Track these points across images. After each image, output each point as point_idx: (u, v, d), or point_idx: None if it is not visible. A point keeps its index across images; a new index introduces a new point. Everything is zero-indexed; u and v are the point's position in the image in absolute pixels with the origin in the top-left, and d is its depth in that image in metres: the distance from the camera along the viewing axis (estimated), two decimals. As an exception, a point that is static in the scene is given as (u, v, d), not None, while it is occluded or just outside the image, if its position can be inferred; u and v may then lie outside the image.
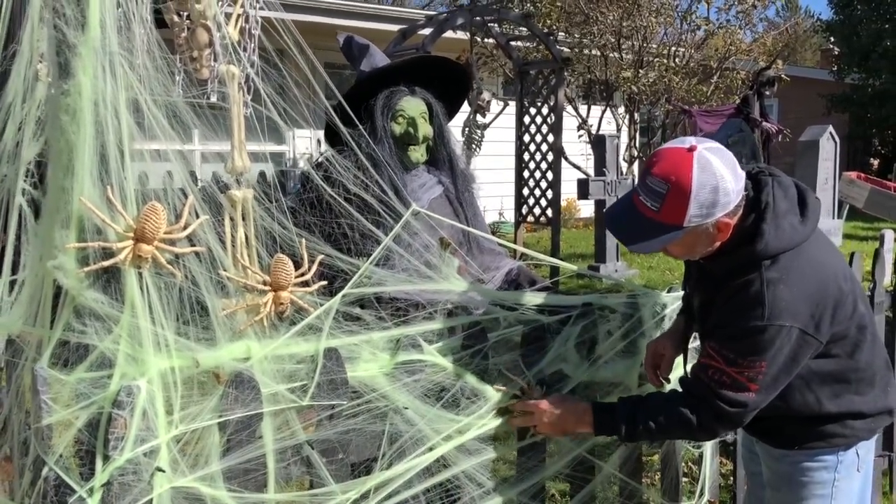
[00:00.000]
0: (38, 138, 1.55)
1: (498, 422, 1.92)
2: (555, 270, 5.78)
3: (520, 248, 2.50)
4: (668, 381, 2.15)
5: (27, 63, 1.53)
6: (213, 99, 1.73)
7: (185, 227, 1.47)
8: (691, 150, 1.69)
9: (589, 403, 1.93)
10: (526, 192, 8.36)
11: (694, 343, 2.23)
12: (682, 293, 2.36)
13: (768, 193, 1.79)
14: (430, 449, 1.75)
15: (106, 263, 1.38)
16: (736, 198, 1.72)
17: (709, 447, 2.60)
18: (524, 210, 8.40)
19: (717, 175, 1.67)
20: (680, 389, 1.92)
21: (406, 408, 1.75)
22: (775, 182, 1.82)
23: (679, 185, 1.67)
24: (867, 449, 1.98)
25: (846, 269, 1.89)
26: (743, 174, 1.75)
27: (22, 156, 1.55)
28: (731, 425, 1.87)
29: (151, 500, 1.39)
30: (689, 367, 2.02)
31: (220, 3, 1.77)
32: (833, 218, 10.49)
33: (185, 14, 1.72)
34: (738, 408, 1.78)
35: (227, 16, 1.80)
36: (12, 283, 1.60)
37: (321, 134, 2.52)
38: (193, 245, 1.50)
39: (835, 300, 1.79)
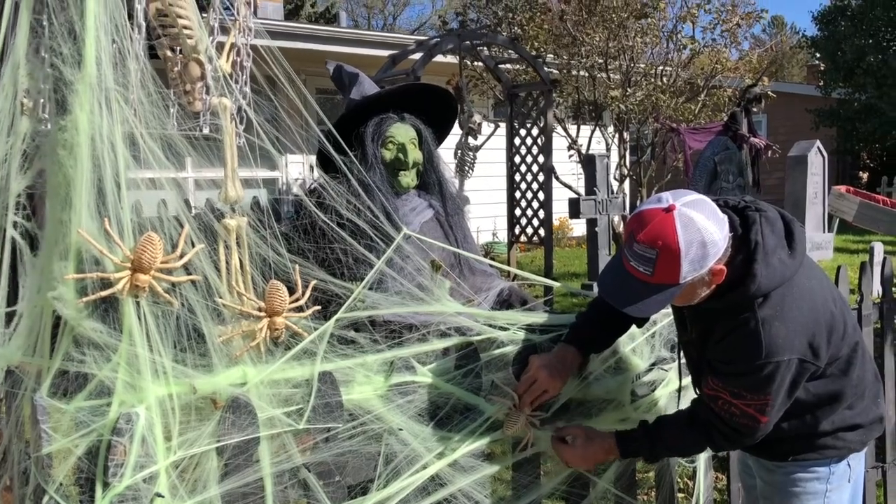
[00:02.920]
0: (26, 172, 1.58)
1: (492, 436, 1.95)
2: (548, 290, 5.81)
3: (511, 269, 2.54)
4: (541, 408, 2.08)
5: (10, 97, 1.56)
6: (206, 130, 1.77)
7: (181, 257, 1.51)
8: (669, 210, 1.70)
9: (613, 436, 2.01)
10: (518, 212, 8.41)
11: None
12: (668, 310, 2.39)
13: (756, 232, 1.80)
14: (424, 467, 1.78)
15: (104, 293, 1.41)
16: (724, 243, 1.74)
17: (702, 462, 2.63)
18: (517, 230, 8.45)
19: (702, 230, 1.69)
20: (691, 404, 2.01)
21: (401, 429, 1.78)
22: (762, 218, 1.83)
23: (667, 248, 1.69)
24: (858, 460, 2.02)
25: (834, 292, 1.93)
26: (725, 218, 1.77)
27: (11, 189, 1.58)
28: (741, 446, 1.97)
29: (151, 525, 1.42)
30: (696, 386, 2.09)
31: (210, 37, 1.82)
32: (824, 231, 10.57)
33: (178, 49, 1.77)
34: (750, 433, 1.85)
35: (220, 47, 1.85)
36: (9, 315, 1.63)
37: (313, 159, 2.56)
38: (189, 273, 1.54)
39: (828, 325, 1.83)
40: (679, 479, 2.70)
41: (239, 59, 1.88)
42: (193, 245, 1.55)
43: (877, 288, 3.59)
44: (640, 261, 1.72)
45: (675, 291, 1.74)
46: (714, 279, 1.77)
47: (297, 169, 10.22)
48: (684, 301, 1.85)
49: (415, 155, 2.43)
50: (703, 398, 1.91)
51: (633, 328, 2.30)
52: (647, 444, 1.97)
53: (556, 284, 2.40)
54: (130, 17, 1.57)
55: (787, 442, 1.97)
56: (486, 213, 11.06)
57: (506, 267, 2.58)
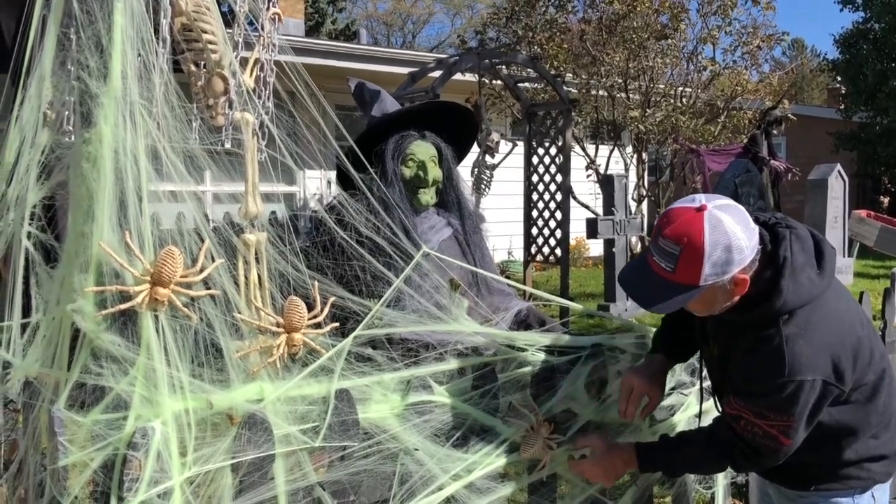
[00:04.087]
0: (44, 183, 1.59)
1: (508, 458, 1.93)
2: (564, 310, 5.78)
3: (529, 289, 2.52)
4: (644, 419, 2.18)
5: (36, 109, 1.58)
6: (228, 145, 1.78)
7: (200, 271, 1.50)
8: (701, 209, 1.69)
9: (633, 447, 2.00)
10: (535, 231, 8.39)
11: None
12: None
13: (786, 248, 1.78)
14: (440, 488, 1.76)
15: (124, 306, 1.41)
16: (751, 253, 1.72)
17: (720, 489, 2.59)
18: (533, 249, 8.43)
19: (729, 233, 1.67)
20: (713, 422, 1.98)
21: (417, 449, 1.76)
22: (793, 235, 1.81)
23: (692, 246, 1.67)
24: (883, 491, 1.97)
25: (862, 316, 1.89)
26: (756, 228, 1.75)
27: (27, 200, 1.58)
28: (764, 466, 1.91)
29: (164, 541, 1.41)
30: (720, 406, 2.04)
31: (234, 52, 1.82)
32: (844, 256, 10.46)
33: (202, 63, 1.78)
34: (772, 455, 1.82)
35: (243, 62, 1.86)
36: (23, 326, 1.63)
37: (331, 175, 2.57)
38: (209, 288, 1.54)
39: (854, 349, 1.79)
40: (696, 505, 2.66)
41: (262, 75, 1.88)
42: (213, 259, 1.54)
43: (900, 314, 3.54)
44: (663, 256, 1.71)
45: (694, 294, 1.71)
46: (736, 290, 1.74)
47: (315, 184, 10.26)
48: (703, 309, 1.82)
49: (434, 173, 2.42)
50: (725, 418, 1.87)
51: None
52: (667, 459, 1.94)
53: (576, 306, 2.38)
54: (156, 31, 1.58)
55: (810, 470, 1.93)
56: (501, 232, 11.05)
57: (524, 287, 2.57)
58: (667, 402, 2.27)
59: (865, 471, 1.90)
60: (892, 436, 1.93)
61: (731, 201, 1.76)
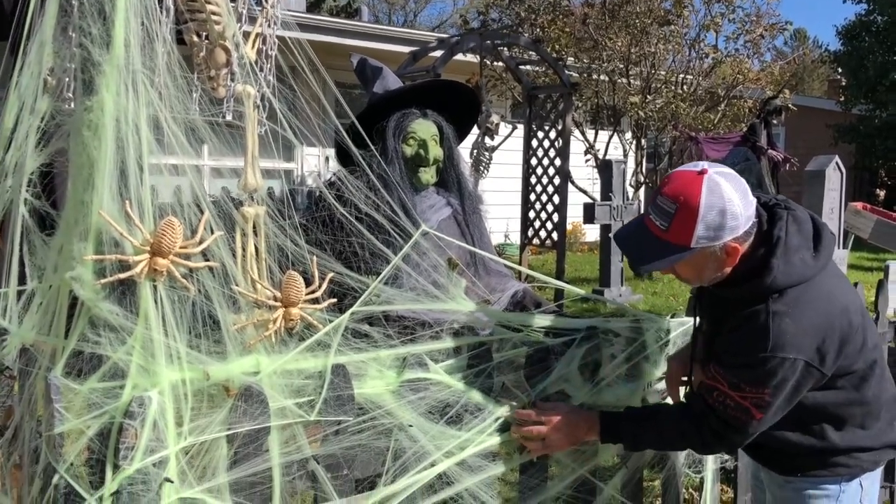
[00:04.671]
0: (42, 150, 1.58)
1: (501, 437, 1.94)
2: (560, 293, 5.80)
3: (526, 271, 2.53)
4: None
5: (36, 76, 1.57)
6: (229, 117, 1.77)
7: (199, 243, 1.50)
8: (702, 172, 1.72)
9: (598, 413, 1.96)
10: (532, 214, 8.40)
11: None
12: (685, 318, 2.38)
13: (781, 228, 1.80)
14: (432, 464, 1.77)
15: (122, 276, 1.41)
16: (745, 223, 1.74)
17: (710, 474, 2.61)
18: (530, 233, 8.43)
19: (726, 198, 1.70)
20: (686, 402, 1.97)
21: (410, 425, 1.77)
22: (790, 216, 1.83)
23: (687, 205, 1.70)
24: (871, 480, 1.98)
25: (859, 303, 1.90)
26: (754, 201, 1.78)
27: (25, 166, 1.58)
28: (730, 445, 1.90)
29: (159, 509, 1.41)
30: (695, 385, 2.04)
31: (238, 24, 1.81)
32: (839, 248, 10.48)
33: (205, 34, 1.77)
34: (740, 431, 1.81)
35: (245, 35, 1.85)
36: (20, 293, 1.63)
37: (330, 152, 2.56)
38: (207, 260, 1.54)
39: (842, 334, 1.80)
40: (685, 490, 2.68)
41: (265, 48, 1.87)
42: (212, 231, 1.54)
43: (892, 306, 3.56)
44: (659, 214, 1.75)
45: (684, 255, 1.74)
46: (728, 260, 1.77)
47: (314, 161, 10.24)
48: (692, 276, 1.84)
49: (435, 152, 2.42)
50: (700, 389, 1.88)
51: (647, 338, 2.28)
52: (632, 429, 1.93)
53: (573, 289, 2.39)
54: (160, 0, 1.57)
55: (798, 457, 1.94)
56: (498, 215, 11.05)
57: (521, 268, 2.57)
58: (659, 385, 2.29)
59: (853, 459, 1.92)
60: (882, 428, 1.94)
61: (734, 172, 1.78)
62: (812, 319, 1.76)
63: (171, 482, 1.42)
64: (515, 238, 10.73)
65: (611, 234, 7.93)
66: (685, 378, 2.11)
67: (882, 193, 18.24)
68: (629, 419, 1.94)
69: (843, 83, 20.12)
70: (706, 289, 1.97)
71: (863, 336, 1.85)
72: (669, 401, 2.22)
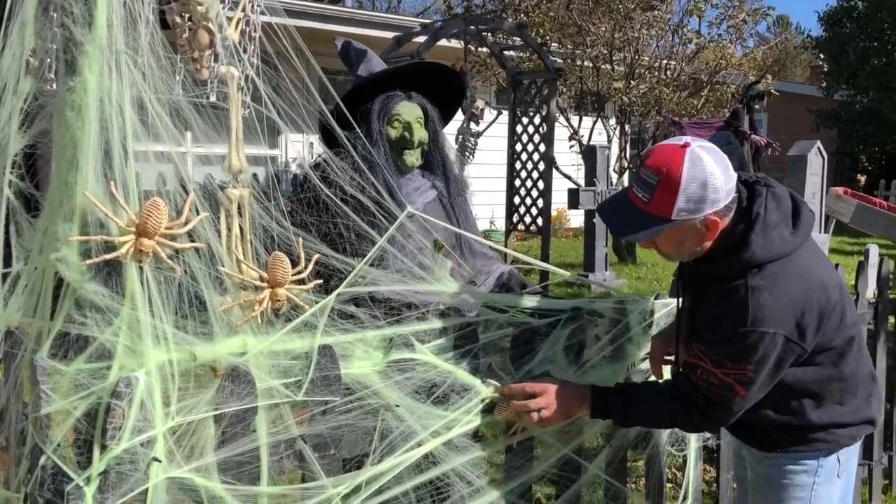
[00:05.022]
0: (26, 131, 1.57)
1: (487, 417, 1.96)
2: (544, 277, 5.82)
3: (511, 252, 2.54)
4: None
5: (18, 56, 1.55)
6: (213, 99, 1.76)
7: (185, 224, 1.50)
8: (685, 146, 1.75)
9: (589, 387, 1.97)
10: (517, 200, 8.41)
11: None
12: (668, 300, 2.40)
13: (760, 204, 1.83)
14: (419, 444, 1.78)
15: (108, 256, 1.41)
16: (726, 197, 1.76)
17: (692, 453, 2.65)
18: (515, 218, 8.45)
19: (707, 171, 1.72)
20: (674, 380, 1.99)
21: (397, 405, 1.79)
22: (770, 193, 1.85)
23: (669, 177, 1.72)
24: (849, 455, 2.02)
25: (837, 280, 1.92)
26: (734, 175, 1.80)
27: (8, 149, 1.57)
28: (717, 423, 1.92)
29: (147, 489, 1.42)
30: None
31: (221, 5, 1.80)
32: (820, 232, 10.56)
33: (188, 16, 1.76)
34: (725, 408, 1.84)
35: (229, 18, 1.84)
36: (4, 275, 1.62)
37: (315, 138, 2.56)
38: (193, 241, 1.54)
39: (821, 309, 1.82)
40: (668, 469, 2.71)
41: (248, 30, 1.87)
42: (198, 212, 1.54)
43: (872, 288, 3.61)
44: (641, 186, 1.77)
45: (665, 227, 1.77)
46: (707, 234, 1.79)
47: (298, 147, 10.19)
48: (672, 250, 1.86)
49: (420, 134, 2.42)
50: (684, 367, 1.91)
51: (631, 320, 2.30)
52: (620, 405, 1.94)
53: (559, 271, 2.40)
54: (143, -20, 1.56)
55: (777, 432, 1.97)
56: (483, 201, 11.06)
57: (506, 250, 2.58)
58: (643, 366, 2.31)
59: (831, 434, 1.95)
60: (859, 404, 1.97)
61: (715, 147, 1.80)
62: (790, 294, 1.79)
63: (160, 461, 1.43)
64: (501, 224, 10.75)
65: (595, 221, 7.96)
66: (668, 357, 2.14)
67: (863, 178, 18.41)
68: (619, 396, 1.96)
69: (825, 69, 20.23)
70: (687, 266, 2.00)
71: (841, 312, 1.88)
72: (653, 379, 2.24)
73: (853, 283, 3.48)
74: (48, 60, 1.58)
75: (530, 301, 2.16)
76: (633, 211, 1.80)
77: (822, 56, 21.01)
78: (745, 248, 1.79)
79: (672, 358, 2.13)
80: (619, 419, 1.98)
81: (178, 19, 1.77)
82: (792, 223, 1.85)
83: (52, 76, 1.56)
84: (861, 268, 3.50)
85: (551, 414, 1.93)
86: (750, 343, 1.76)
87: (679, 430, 2.42)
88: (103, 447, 1.39)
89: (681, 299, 2.07)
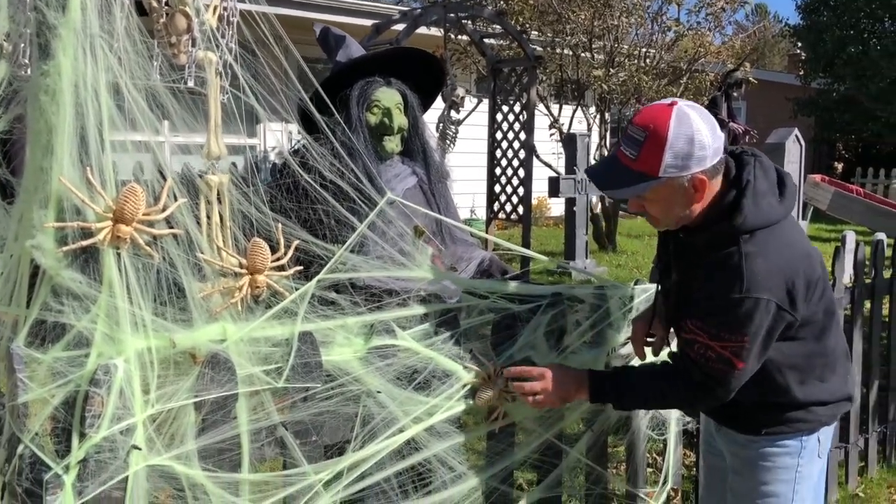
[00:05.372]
0: (2, 117, 1.55)
1: (467, 403, 1.96)
2: (525, 263, 5.83)
3: (492, 238, 2.54)
4: (656, 355, 2.19)
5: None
6: (191, 84, 1.74)
7: (163, 210, 1.49)
8: (671, 104, 1.77)
9: (587, 372, 1.98)
10: (498, 189, 8.42)
11: None
12: (648, 285, 2.41)
13: (749, 172, 1.84)
14: (401, 430, 1.79)
15: (85, 243, 1.40)
16: (713, 156, 1.77)
17: (672, 437, 2.67)
18: (496, 207, 8.46)
19: (694, 128, 1.73)
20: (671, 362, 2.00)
21: (379, 391, 1.79)
22: (757, 162, 1.87)
23: (656, 133, 1.73)
24: (827, 434, 2.04)
25: (818, 254, 1.93)
26: (722, 136, 1.80)
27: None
28: (714, 399, 1.91)
29: (127, 477, 1.41)
30: (673, 344, 2.07)
31: (198, -9, 1.78)
32: (798, 219, 10.67)
33: (164, 0, 1.74)
34: (723, 383, 1.85)
35: (206, 4, 1.81)
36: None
37: (293, 127, 2.54)
38: (171, 227, 1.52)
39: (806, 279, 1.84)
40: (648, 455, 2.74)
41: (226, 14, 1.84)
42: (176, 199, 1.53)
43: (849, 272, 3.65)
44: (629, 143, 1.77)
45: (652, 184, 1.77)
46: (696, 195, 1.80)
47: (277, 136, 10.13)
48: (660, 214, 1.86)
49: (400, 120, 2.41)
50: (680, 345, 1.92)
51: (611, 305, 2.32)
52: (617, 388, 1.95)
53: (541, 257, 2.41)
54: (117, -37, 1.53)
55: (759, 413, 1.98)
56: (464, 190, 11.05)
57: (486, 236, 2.58)
58: (623, 350, 2.32)
59: (812, 413, 1.97)
60: (838, 381, 2.00)
61: (701, 107, 1.81)
62: (780, 262, 1.80)
63: (139, 449, 1.42)
64: (481, 213, 10.75)
65: (575, 209, 7.99)
66: (650, 338, 2.15)
67: (840, 166, 18.59)
68: (615, 379, 1.97)
69: (803, 57, 20.38)
70: (674, 240, 1.99)
71: (823, 285, 1.90)
72: (636, 362, 2.26)
73: (830, 269, 3.52)
74: (22, 45, 1.55)
75: (511, 287, 2.17)
76: (620, 168, 1.80)
77: (799, 44, 21.15)
78: (737, 214, 1.80)
79: (653, 339, 2.14)
80: (616, 402, 1.99)
81: (154, 3, 1.74)
82: (778, 192, 1.87)
83: (26, 61, 1.53)
84: (838, 253, 3.53)
85: (547, 398, 1.94)
86: (745, 311, 1.77)
87: (676, 409, 2.44)
88: (82, 435, 1.38)
89: (668, 276, 2.05)
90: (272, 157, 9.67)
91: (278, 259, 1.69)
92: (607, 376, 1.98)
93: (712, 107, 9.80)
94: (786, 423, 1.98)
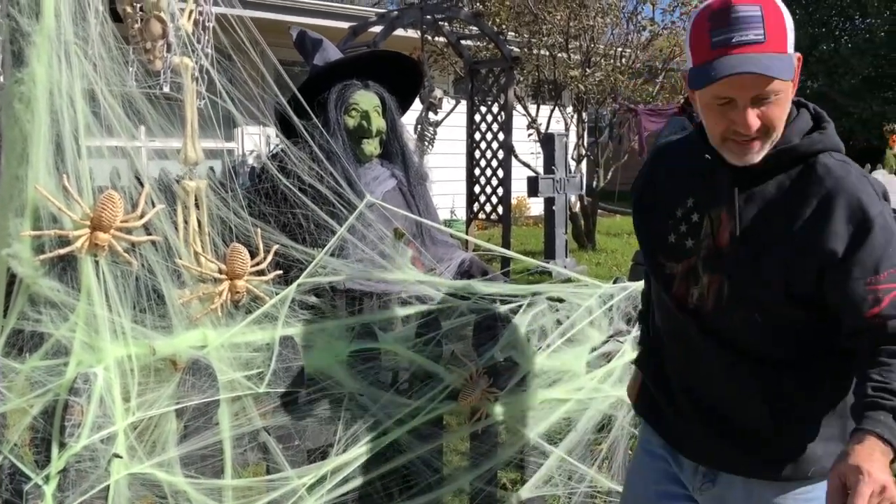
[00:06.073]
0: None
1: (449, 404, 1.97)
2: (505, 263, 5.85)
3: (472, 240, 2.55)
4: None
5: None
6: (167, 89, 1.74)
7: (141, 216, 1.48)
8: None
9: (874, 437, 1.29)
10: (477, 189, 8.43)
11: None
12: (628, 283, 2.43)
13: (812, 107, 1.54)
14: (384, 433, 1.79)
15: (62, 251, 1.39)
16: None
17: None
18: (475, 207, 8.47)
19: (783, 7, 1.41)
20: None
21: (361, 394, 1.79)
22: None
23: (769, 2, 1.38)
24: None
25: None
26: None
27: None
28: None
29: (108, 486, 1.40)
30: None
31: (173, -4, 1.78)
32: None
33: (139, 5, 1.73)
34: None
35: (181, 9, 1.81)
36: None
37: (271, 131, 2.53)
38: (150, 234, 1.52)
39: None
40: (630, 451, 2.76)
41: (201, 19, 1.84)
42: (154, 205, 1.52)
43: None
44: (745, 26, 1.36)
45: (791, 61, 1.39)
46: (792, 91, 1.43)
47: (255, 140, 10.08)
48: (780, 119, 1.42)
49: (378, 123, 2.41)
50: (878, 313, 1.35)
51: (592, 302, 2.33)
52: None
53: (523, 258, 2.42)
54: (90, -31, 1.53)
55: (819, 444, 1.49)
56: (444, 191, 11.06)
57: (466, 236, 2.59)
58: (604, 349, 2.34)
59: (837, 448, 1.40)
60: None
61: None
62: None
63: (121, 458, 1.41)
64: (461, 213, 10.76)
65: (554, 208, 8.01)
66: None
67: (814, 162, 18.77)
68: (885, 408, 1.31)
69: (776, 55, 20.57)
70: (720, 194, 1.50)
71: None
72: (619, 359, 2.27)
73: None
74: (-5, 52, 1.54)
75: (492, 287, 2.18)
76: (756, 59, 1.35)
77: (773, 42, 21.36)
78: (827, 123, 1.48)
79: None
80: None
81: (128, 9, 1.73)
82: None
83: (0, 69, 1.52)
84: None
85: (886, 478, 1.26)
86: (891, 223, 1.38)
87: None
88: (62, 445, 1.37)
89: (693, 276, 1.54)
90: (250, 160, 9.62)
91: (258, 264, 1.69)
92: (880, 421, 1.31)
93: (688, 105, 9.91)
94: (826, 461, 1.42)
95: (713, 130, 1.46)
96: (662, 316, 1.68)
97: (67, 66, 1.41)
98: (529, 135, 9.91)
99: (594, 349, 2.33)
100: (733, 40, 1.37)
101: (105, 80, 1.49)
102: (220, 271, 1.63)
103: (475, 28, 7.97)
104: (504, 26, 9.05)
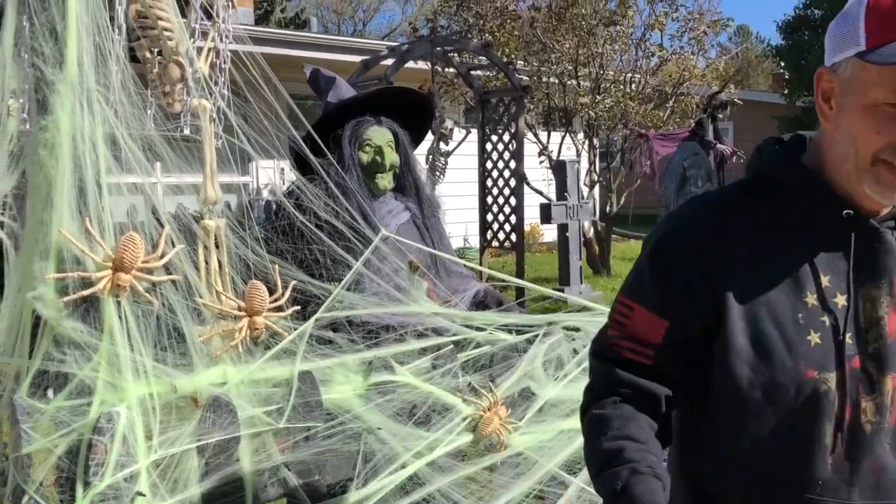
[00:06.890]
0: (13, 171, 1.58)
1: (468, 437, 1.97)
2: (520, 293, 5.86)
3: (486, 271, 2.57)
4: None
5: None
6: (187, 132, 1.78)
7: (161, 257, 1.51)
8: None
9: None
10: (490, 217, 8.45)
11: None
12: None
13: None
14: (403, 466, 1.79)
15: (85, 293, 1.42)
16: None
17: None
18: (488, 235, 8.50)
19: None
20: None
21: (379, 428, 1.80)
22: None
23: None
24: None
25: None
26: None
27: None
28: None
29: (132, 524, 1.42)
30: None
31: (191, 39, 1.82)
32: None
33: (157, 50, 1.77)
34: None
35: (198, 50, 1.86)
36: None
37: (285, 164, 2.57)
38: (170, 274, 1.54)
39: None
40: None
41: (218, 62, 1.89)
42: (174, 245, 1.55)
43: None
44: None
45: None
46: None
47: (269, 174, 10.18)
48: None
49: (391, 158, 2.45)
50: None
51: None
52: None
53: (535, 287, 2.43)
54: (111, 18, 1.58)
55: None
56: (457, 219, 11.10)
57: (481, 268, 2.61)
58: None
59: None
60: None
61: None
62: None
63: (144, 496, 1.42)
64: (475, 242, 10.78)
65: (568, 234, 8.02)
66: None
67: (827, 182, 18.70)
68: None
69: (787, 77, 20.63)
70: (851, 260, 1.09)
71: None
72: None
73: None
74: (21, 100, 1.59)
75: (507, 318, 2.19)
76: None
77: (782, 64, 21.41)
78: None
79: None
80: None
81: (148, 54, 1.78)
82: None
83: (26, 116, 1.56)
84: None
85: None
86: None
87: None
88: (86, 484, 1.39)
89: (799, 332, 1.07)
90: (265, 193, 9.70)
91: (276, 300, 1.71)
92: None
93: (699, 129, 9.93)
94: None
95: (866, 145, 1.06)
96: (787, 455, 1.11)
97: (90, 112, 1.45)
98: (541, 162, 9.95)
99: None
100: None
101: (125, 125, 1.53)
102: (240, 308, 1.66)
103: (485, 58, 8.05)
104: (513, 56, 9.13)
